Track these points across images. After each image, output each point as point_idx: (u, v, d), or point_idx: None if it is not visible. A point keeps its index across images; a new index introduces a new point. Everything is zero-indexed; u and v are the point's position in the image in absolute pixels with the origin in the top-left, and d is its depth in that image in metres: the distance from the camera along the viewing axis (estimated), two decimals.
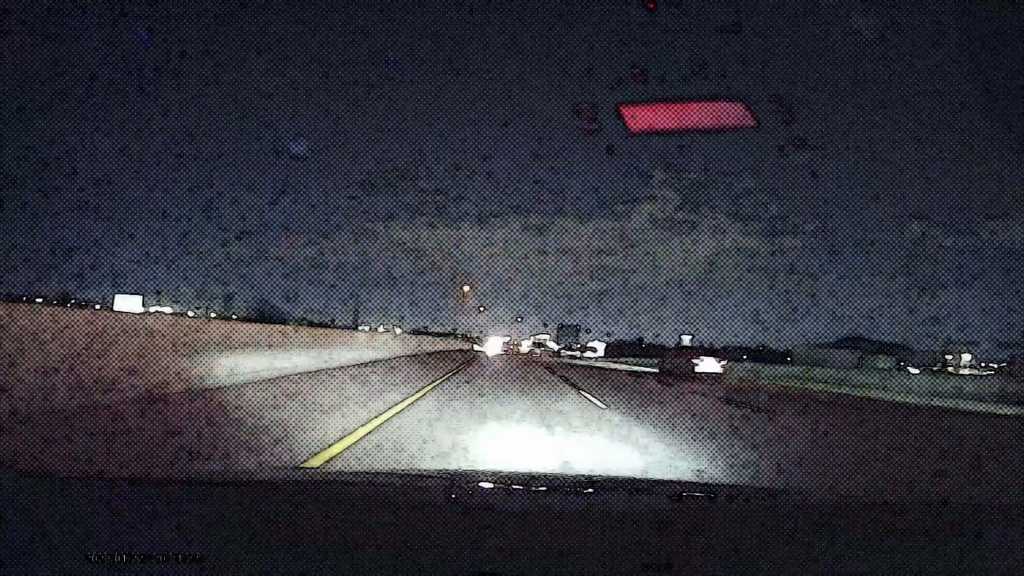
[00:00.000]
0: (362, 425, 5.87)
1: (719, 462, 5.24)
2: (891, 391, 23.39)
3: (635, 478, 2.89)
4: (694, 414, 9.95)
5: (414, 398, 8.87)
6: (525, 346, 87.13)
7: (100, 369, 5.32)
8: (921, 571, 1.21)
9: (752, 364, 50.62)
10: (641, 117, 4.68)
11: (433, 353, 32.80)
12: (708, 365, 22.08)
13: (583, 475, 2.68)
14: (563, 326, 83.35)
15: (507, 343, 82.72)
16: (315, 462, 4.10)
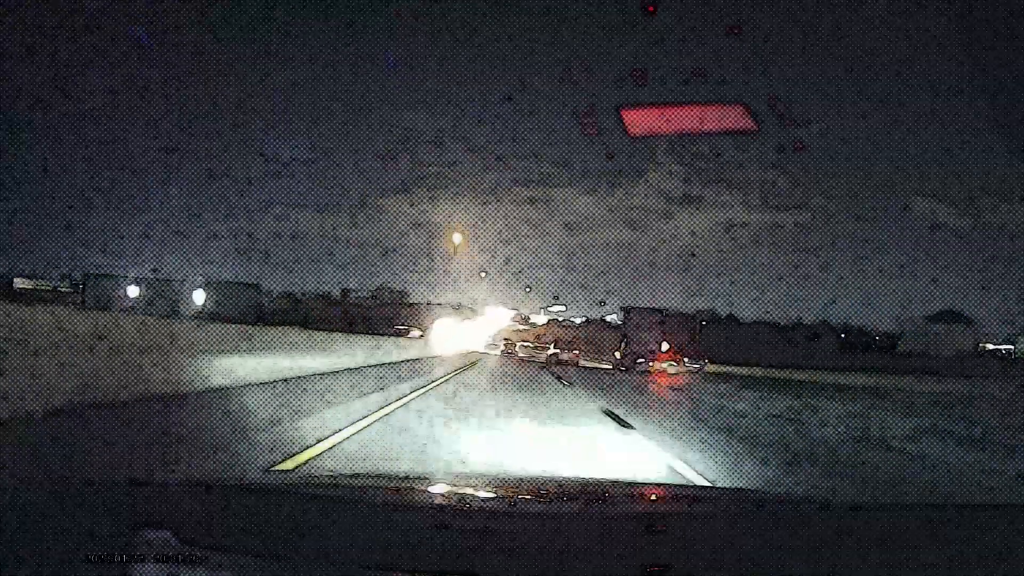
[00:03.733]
0: None
1: None
2: None
3: (631, 481, 2.89)
4: None
5: None
6: (538, 319, 56.66)
7: None
8: (921, 571, 1.21)
9: None
10: (641, 120, 4.70)
11: None
12: None
13: (577, 478, 2.68)
14: (631, 310, 34.19)
15: (517, 319, 52.08)
16: (290, 464, 4.03)
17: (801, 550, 1.27)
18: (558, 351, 31.48)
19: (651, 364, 26.34)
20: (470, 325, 45.03)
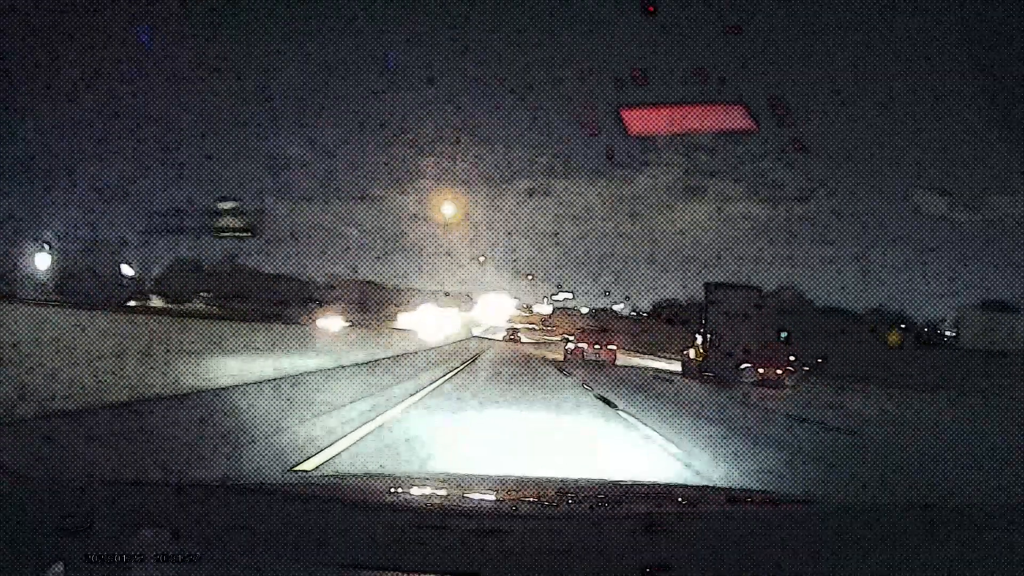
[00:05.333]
0: None
1: None
2: None
3: (631, 482, 2.90)
4: None
5: None
6: (541, 309, 48.90)
7: None
8: (921, 571, 1.21)
9: None
10: (641, 120, 4.71)
11: None
12: None
13: (577, 478, 2.68)
14: (718, 287, 17.01)
15: (520, 308, 43.61)
16: (309, 465, 4.09)
17: (801, 550, 1.27)
18: (584, 345, 20.19)
19: (758, 371, 15.67)
20: (460, 315, 35.94)
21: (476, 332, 33.90)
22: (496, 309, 39.53)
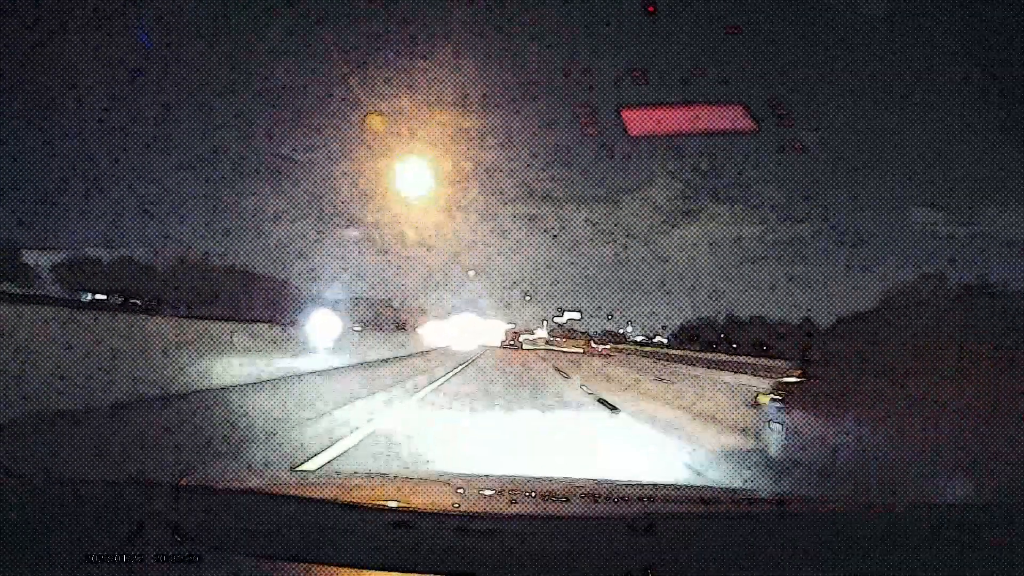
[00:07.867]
0: None
1: None
2: None
3: (630, 482, 2.90)
4: None
5: None
6: (541, 333, 45.01)
7: None
8: (921, 571, 1.21)
9: None
10: (641, 120, 4.70)
11: None
12: None
13: (576, 478, 2.68)
14: None
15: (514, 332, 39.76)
16: (312, 464, 4.10)
17: (801, 550, 1.27)
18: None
19: None
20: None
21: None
22: (470, 333, 32.22)
